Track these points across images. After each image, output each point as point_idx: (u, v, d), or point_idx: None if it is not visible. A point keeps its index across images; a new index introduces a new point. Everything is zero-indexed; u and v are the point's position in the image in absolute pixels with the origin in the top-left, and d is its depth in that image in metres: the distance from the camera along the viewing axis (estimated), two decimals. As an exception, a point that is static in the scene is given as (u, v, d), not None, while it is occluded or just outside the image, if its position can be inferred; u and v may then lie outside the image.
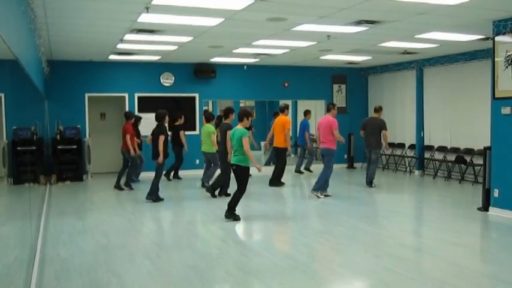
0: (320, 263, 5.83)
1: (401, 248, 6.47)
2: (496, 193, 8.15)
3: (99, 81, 13.08)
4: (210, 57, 12.68)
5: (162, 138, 9.29)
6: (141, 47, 10.68)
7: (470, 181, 11.45)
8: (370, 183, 11.05)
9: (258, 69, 14.32)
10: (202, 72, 13.65)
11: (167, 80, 13.66)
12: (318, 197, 9.60)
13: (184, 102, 13.78)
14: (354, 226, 7.68)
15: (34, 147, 7.74)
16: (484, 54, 10.96)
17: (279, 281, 5.10)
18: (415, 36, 9.56)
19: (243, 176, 7.81)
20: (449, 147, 12.46)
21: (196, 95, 13.98)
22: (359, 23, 8.13)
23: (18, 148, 6.35)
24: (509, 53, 7.79)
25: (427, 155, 13.14)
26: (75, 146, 12.32)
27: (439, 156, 12.70)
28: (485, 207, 8.36)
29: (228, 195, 9.63)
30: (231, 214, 7.88)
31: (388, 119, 14.52)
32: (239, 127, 7.87)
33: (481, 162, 10.08)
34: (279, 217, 8.47)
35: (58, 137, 12.22)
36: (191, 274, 5.35)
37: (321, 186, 9.69)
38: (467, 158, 11.60)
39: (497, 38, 7.99)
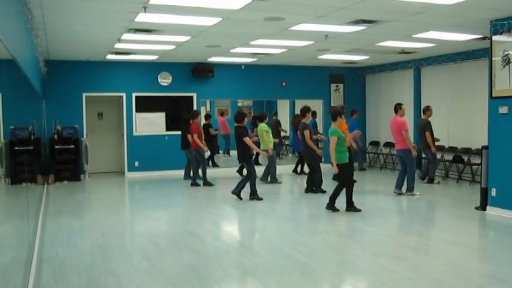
0: (318, 263, 5.84)
1: (399, 247, 6.48)
2: (493, 192, 8.17)
3: (97, 80, 13.05)
4: (208, 57, 12.67)
5: (247, 140, 9.22)
6: (138, 47, 10.67)
7: (467, 180, 11.48)
8: (431, 180, 11.38)
9: (256, 69, 14.32)
10: (200, 71, 13.64)
11: (165, 79, 13.65)
12: (414, 195, 9.83)
13: (182, 102, 13.78)
14: (352, 225, 7.69)
15: (31, 147, 7.71)
16: (481, 53, 10.98)
17: (277, 281, 5.11)
18: (413, 36, 9.58)
19: (341, 173, 8.20)
20: (446, 146, 12.48)
21: (194, 95, 13.97)
22: (356, 22, 8.14)
23: (16, 148, 6.32)
24: (506, 53, 7.80)
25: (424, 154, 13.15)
26: (72, 146, 12.29)
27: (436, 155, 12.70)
28: (482, 207, 8.37)
29: (324, 191, 9.93)
30: (350, 208, 8.29)
31: (386, 119, 14.58)
32: (332, 126, 8.27)
33: (478, 161, 10.09)
34: (277, 216, 8.47)
35: (55, 136, 12.20)
36: (189, 274, 5.35)
37: (413, 186, 9.88)
38: (465, 158, 11.63)
39: (494, 38, 8.00)
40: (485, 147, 8.48)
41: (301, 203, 9.84)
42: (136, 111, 13.41)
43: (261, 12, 7.36)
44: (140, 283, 5.11)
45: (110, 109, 14.05)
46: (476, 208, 8.47)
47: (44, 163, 11.43)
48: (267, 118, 11.73)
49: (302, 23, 8.20)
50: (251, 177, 9.38)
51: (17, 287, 4.29)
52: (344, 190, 8.29)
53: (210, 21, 7.99)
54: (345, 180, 8.33)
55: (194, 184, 11.23)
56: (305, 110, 10.36)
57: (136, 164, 13.38)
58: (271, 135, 11.24)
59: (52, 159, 12.13)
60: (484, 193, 8.36)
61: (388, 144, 14.42)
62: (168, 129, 13.42)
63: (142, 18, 7.64)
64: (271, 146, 11.13)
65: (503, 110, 7.93)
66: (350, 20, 7.98)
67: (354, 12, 7.40)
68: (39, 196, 9.30)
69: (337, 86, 15.44)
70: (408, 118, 13.62)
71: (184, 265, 5.64)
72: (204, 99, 14.65)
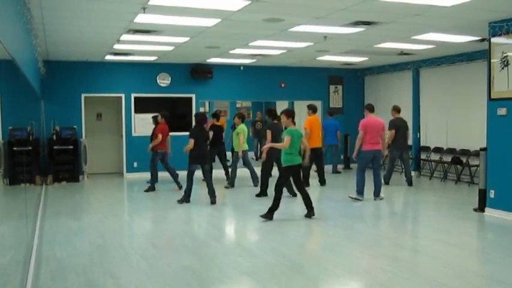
0: (316, 264, 5.84)
1: (397, 248, 6.48)
2: (491, 194, 8.18)
3: (96, 81, 13.05)
4: (207, 58, 12.68)
5: (191, 141, 9.06)
6: (137, 48, 10.67)
7: (466, 182, 11.48)
8: (411, 183, 11.42)
9: (255, 70, 14.33)
10: (198, 72, 13.65)
11: (164, 80, 13.65)
12: (382, 198, 9.64)
13: (181, 103, 13.79)
14: (350, 226, 7.69)
15: (30, 148, 7.70)
16: (480, 55, 10.98)
17: (275, 282, 5.11)
18: (412, 38, 9.59)
19: (281, 174, 8.09)
20: (445, 148, 12.50)
21: (193, 96, 13.97)
22: (356, 24, 8.15)
23: (14, 148, 6.31)
24: (505, 54, 7.82)
25: (423, 156, 13.17)
26: (71, 147, 12.27)
27: (435, 157, 12.73)
28: (481, 208, 8.38)
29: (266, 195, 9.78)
30: (310, 211, 8.06)
31: (384, 120, 14.57)
32: (294, 128, 8.02)
33: (477, 163, 10.11)
34: (275, 217, 8.47)
35: (54, 137, 12.18)
36: (187, 275, 5.35)
37: (380, 189, 9.68)
38: (464, 159, 11.64)
39: (493, 40, 8.01)
40: (483, 149, 8.49)
41: (298, 204, 9.84)
42: (135, 112, 13.40)
43: (260, 13, 7.37)
44: (138, 284, 5.11)
45: (109, 110, 14.04)
46: (475, 209, 8.48)
47: (42, 164, 11.41)
48: (245, 119, 11.54)
49: (301, 24, 8.21)
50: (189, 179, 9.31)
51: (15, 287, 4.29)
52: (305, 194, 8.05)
53: (209, 22, 7.99)
54: (280, 181, 7.94)
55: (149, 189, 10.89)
56: (271, 111, 10.20)
57: (135, 164, 13.38)
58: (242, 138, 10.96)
59: (51, 160, 12.12)
60: (483, 194, 8.37)
61: (388, 146, 14.41)
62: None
63: (142, 19, 7.64)
64: (243, 147, 10.93)
65: (501, 111, 7.94)
66: (349, 21, 7.99)
67: (353, 13, 7.41)
68: (38, 197, 9.29)
69: (336, 87, 15.45)
70: (407, 120, 13.65)
71: (183, 266, 5.64)
72: (203, 100, 14.65)
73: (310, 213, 8.02)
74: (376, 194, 9.68)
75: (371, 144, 9.48)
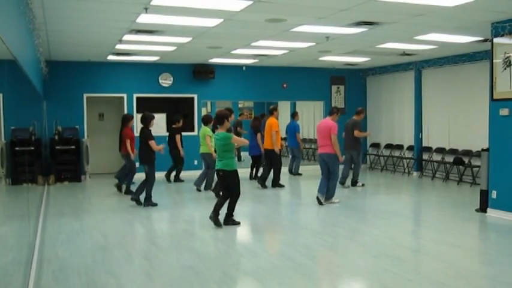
0: (318, 264, 5.84)
1: (399, 249, 6.47)
2: (493, 194, 8.16)
3: (98, 81, 13.07)
4: (209, 58, 12.68)
5: (151, 143, 9.02)
6: (139, 48, 10.67)
7: (468, 182, 11.47)
8: (355, 183, 11.31)
9: (257, 70, 14.33)
10: (201, 73, 13.65)
11: (166, 80, 13.66)
12: (333, 203, 9.21)
13: (183, 103, 13.79)
14: (352, 227, 7.68)
15: (32, 148, 7.71)
16: (482, 55, 10.99)
17: (277, 282, 5.10)
18: (414, 38, 9.58)
19: (229, 180, 7.51)
20: (447, 148, 12.48)
21: (195, 96, 13.98)
22: (358, 24, 8.14)
23: (17, 148, 6.33)
24: (507, 55, 7.80)
25: (425, 156, 13.16)
26: (73, 147, 12.29)
27: (437, 157, 12.72)
28: (483, 209, 8.37)
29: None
30: (229, 220, 7.68)
31: (387, 121, 14.61)
32: (220, 131, 7.47)
33: (479, 163, 10.09)
34: (277, 218, 8.47)
35: (56, 137, 12.20)
36: (189, 275, 5.35)
37: (333, 194, 9.24)
38: (466, 160, 11.62)
39: (495, 40, 8.00)
40: (485, 149, 8.48)
41: (298, 205, 9.84)
42: (137, 112, 13.39)
43: (262, 13, 7.37)
44: (140, 284, 5.11)
45: (111, 110, 14.05)
46: (477, 210, 8.47)
47: (44, 164, 11.42)
48: (212, 122, 10.79)
49: (303, 24, 8.21)
50: (149, 182, 9.26)
51: (17, 288, 4.30)
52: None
53: (211, 22, 8.00)
54: (232, 189, 7.53)
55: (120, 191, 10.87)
56: (225, 114, 9.25)
57: (137, 164, 13.35)
58: (209, 140, 10.45)
59: (53, 160, 12.13)
60: (485, 195, 8.36)
61: (389, 146, 14.43)
62: (168, 130, 13.41)
63: (144, 19, 7.64)
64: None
65: (504, 112, 7.92)
66: (351, 21, 7.99)
67: (355, 14, 7.40)
68: (40, 197, 9.30)
69: (338, 87, 15.45)
70: (409, 120, 13.70)
71: (185, 266, 5.64)
72: (204, 101, 14.66)
73: (212, 214, 7.58)
74: (326, 197, 9.22)
75: (319, 148, 9.33)
